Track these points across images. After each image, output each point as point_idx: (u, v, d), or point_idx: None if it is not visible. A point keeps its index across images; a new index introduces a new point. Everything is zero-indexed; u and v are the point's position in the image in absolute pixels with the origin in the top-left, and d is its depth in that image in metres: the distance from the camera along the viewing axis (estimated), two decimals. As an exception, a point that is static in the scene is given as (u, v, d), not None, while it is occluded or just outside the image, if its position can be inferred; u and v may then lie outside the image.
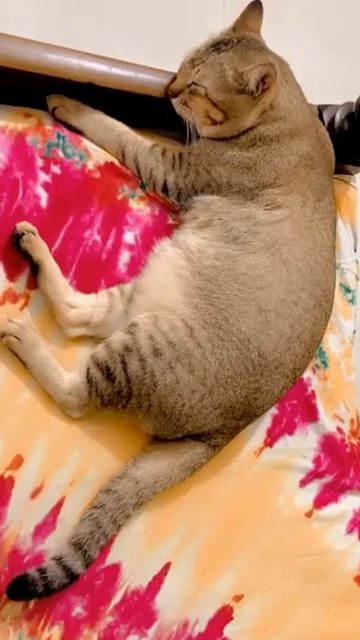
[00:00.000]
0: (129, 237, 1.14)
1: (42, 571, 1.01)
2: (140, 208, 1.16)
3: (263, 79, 1.07)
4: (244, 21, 1.15)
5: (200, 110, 1.11)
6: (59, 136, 1.10)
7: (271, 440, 1.24)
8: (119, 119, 1.14)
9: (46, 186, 1.08)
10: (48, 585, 1.01)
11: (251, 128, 1.11)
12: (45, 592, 1.01)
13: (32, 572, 1.01)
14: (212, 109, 1.10)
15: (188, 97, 1.11)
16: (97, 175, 1.12)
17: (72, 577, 1.03)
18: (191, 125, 1.12)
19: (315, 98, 1.25)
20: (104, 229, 1.13)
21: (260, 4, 1.16)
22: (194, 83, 1.10)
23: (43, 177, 1.08)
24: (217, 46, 1.10)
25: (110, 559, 1.09)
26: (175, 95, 1.12)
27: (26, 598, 1.02)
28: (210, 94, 1.09)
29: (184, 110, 1.12)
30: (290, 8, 1.74)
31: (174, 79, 1.13)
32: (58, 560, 1.03)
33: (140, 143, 1.14)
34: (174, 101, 1.12)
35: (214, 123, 1.11)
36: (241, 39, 1.11)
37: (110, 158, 1.14)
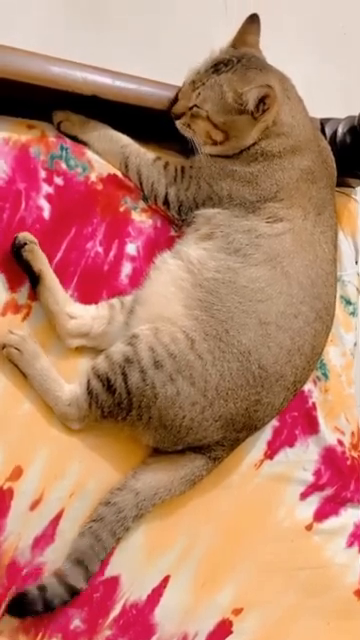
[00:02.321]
0: (131, 249, 1.15)
1: (42, 589, 1.01)
2: (142, 220, 1.16)
3: (263, 100, 1.08)
4: (243, 37, 1.15)
5: (202, 132, 1.12)
6: (62, 148, 1.11)
7: (271, 452, 1.24)
8: (122, 131, 1.15)
9: (49, 197, 1.08)
10: (48, 603, 1.00)
11: (253, 144, 1.12)
12: (45, 610, 1.01)
13: (32, 590, 1.00)
14: (213, 130, 1.11)
15: (190, 119, 1.12)
16: (100, 187, 1.13)
17: (73, 593, 1.03)
18: (194, 143, 1.13)
19: (316, 110, 1.25)
20: (106, 241, 1.13)
21: (258, 18, 1.16)
22: (195, 106, 1.11)
23: (46, 188, 1.08)
24: (217, 67, 1.10)
25: (109, 571, 1.09)
26: (178, 117, 1.13)
27: (25, 615, 1.01)
28: (211, 116, 1.10)
29: (187, 131, 1.13)
30: (290, 20, 1.75)
31: (176, 100, 1.14)
32: (59, 577, 1.02)
33: (143, 155, 1.15)
34: (177, 123, 1.13)
35: (215, 143, 1.12)
36: (241, 58, 1.11)
37: (113, 170, 1.14)
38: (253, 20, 1.16)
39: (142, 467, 1.10)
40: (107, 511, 1.05)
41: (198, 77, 1.11)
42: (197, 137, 1.12)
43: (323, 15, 1.86)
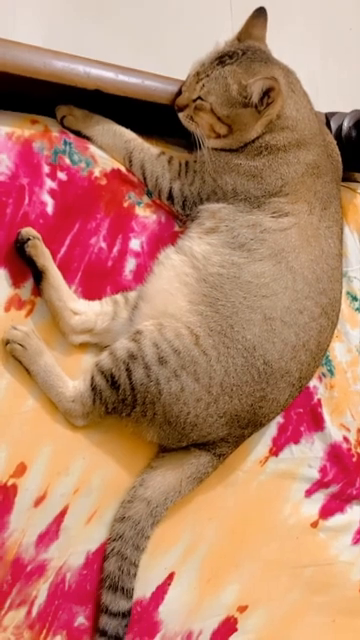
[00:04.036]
0: (135, 244, 1.14)
1: (103, 633, 1.03)
2: (146, 215, 1.15)
3: (267, 92, 1.07)
4: (249, 30, 1.14)
5: (205, 124, 1.11)
6: (66, 143, 1.10)
7: (276, 449, 1.23)
8: (126, 126, 1.15)
9: (52, 193, 1.08)
10: (117, 637, 1.03)
11: (257, 137, 1.11)
12: None
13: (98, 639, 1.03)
14: (217, 123, 1.10)
15: (194, 112, 1.11)
16: (103, 182, 1.12)
17: (125, 615, 1.04)
18: (197, 137, 1.12)
19: (321, 105, 1.25)
20: (110, 236, 1.12)
21: (264, 12, 1.15)
22: (199, 98, 1.10)
23: (49, 184, 1.08)
24: (222, 59, 1.10)
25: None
26: (181, 109, 1.12)
27: None
28: (215, 109, 1.09)
29: (190, 124, 1.12)
30: (296, 16, 1.74)
31: (179, 92, 1.13)
32: (106, 611, 1.04)
33: (147, 150, 1.14)
34: (180, 115, 1.13)
35: (219, 136, 1.11)
36: (246, 50, 1.10)
37: (116, 165, 1.14)
38: (260, 13, 1.15)
39: (149, 471, 1.09)
40: (124, 527, 1.05)
41: (202, 69, 1.10)
42: (200, 130, 1.11)
43: (329, 11, 1.85)
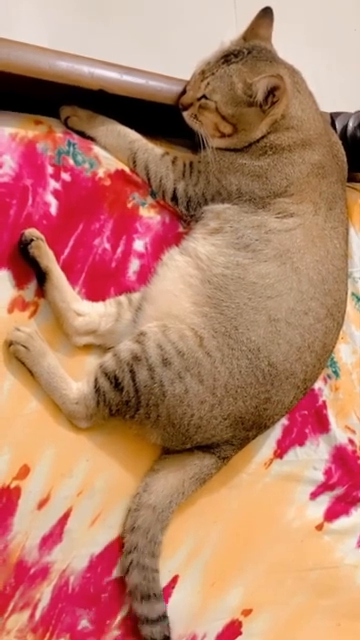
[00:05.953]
0: (139, 245, 1.14)
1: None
2: (150, 216, 1.15)
3: (272, 91, 1.06)
4: (254, 30, 1.14)
5: (210, 123, 1.11)
6: (69, 143, 1.10)
7: (281, 451, 1.23)
8: (130, 126, 1.14)
9: (56, 193, 1.07)
10: (166, 638, 1.07)
11: (262, 137, 1.11)
12: None
13: None
14: (221, 123, 1.10)
15: (198, 111, 1.11)
16: (107, 183, 1.12)
17: (164, 616, 1.07)
18: (202, 136, 1.11)
19: (325, 105, 1.24)
20: (114, 237, 1.12)
21: (271, 12, 1.15)
22: (204, 97, 1.10)
23: (53, 184, 1.07)
24: (227, 58, 1.09)
25: (117, 572, 1.08)
26: (185, 108, 1.12)
27: None
28: (220, 108, 1.08)
29: (195, 123, 1.12)
30: (300, 16, 1.74)
31: (184, 91, 1.13)
32: (144, 620, 1.06)
33: (151, 151, 1.14)
34: (185, 114, 1.12)
35: (223, 136, 1.11)
36: (251, 50, 1.10)
37: (120, 166, 1.14)
38: (266, 13, 1.15)
39: (151, 475, 1.09)
40: (136, 537, 1.06)
41: (208, 67, 1.10)
42: (205, 129, 1.11)
43: (333, 11, 1.85)
